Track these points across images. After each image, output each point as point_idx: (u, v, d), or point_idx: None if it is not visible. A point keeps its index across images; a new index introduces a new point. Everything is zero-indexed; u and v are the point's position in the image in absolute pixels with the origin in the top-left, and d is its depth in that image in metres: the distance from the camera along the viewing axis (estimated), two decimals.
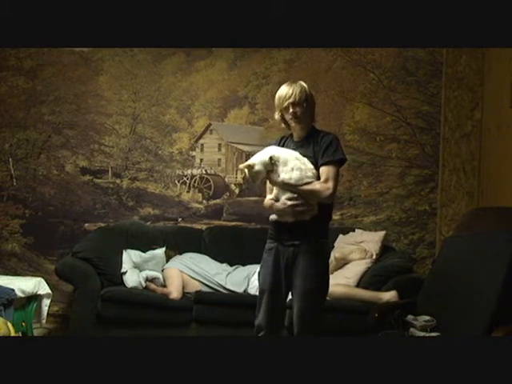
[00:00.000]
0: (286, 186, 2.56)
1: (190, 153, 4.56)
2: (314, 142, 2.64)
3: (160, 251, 3.92)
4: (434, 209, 4.25)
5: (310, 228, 2.57)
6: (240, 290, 3.64)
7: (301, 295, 2.59)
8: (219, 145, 4.58)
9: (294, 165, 2.55)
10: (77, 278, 3.49)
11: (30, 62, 4.39)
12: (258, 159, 2.56)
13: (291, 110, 2.60)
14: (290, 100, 2.58)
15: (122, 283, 3.64)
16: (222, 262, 3.93)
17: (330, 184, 2.54)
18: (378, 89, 4.32)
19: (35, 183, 4.38)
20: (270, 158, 2.55)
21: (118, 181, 4.48)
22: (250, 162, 2.56)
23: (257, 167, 2.54)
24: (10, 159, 4.37)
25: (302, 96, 2.59)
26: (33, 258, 4.34)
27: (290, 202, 2.54)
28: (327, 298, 2.76)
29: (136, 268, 3.76)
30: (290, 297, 2.69)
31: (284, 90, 2.62)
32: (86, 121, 4.44)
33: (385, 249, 3.80)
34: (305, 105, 2.61)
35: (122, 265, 3.70)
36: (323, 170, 2.58)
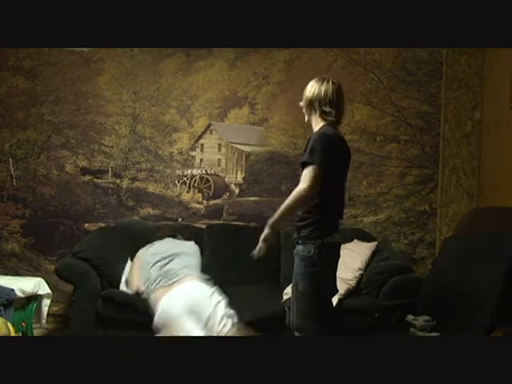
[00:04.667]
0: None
1: (190, 153, 4.56)
2: None
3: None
4: (434, 209, 4.25)
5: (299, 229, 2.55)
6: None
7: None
8: (219, 145, 4.57)
9: None
10: (77, 278, 3.48)
11: (29, 62, 4.39)
12: None
13: None
14: None
15: None
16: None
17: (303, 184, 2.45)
18: (378, 89, 4.32)
19: (35, 183, 4.38)
20: None
21: (117, 181, 4.48)
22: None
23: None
24: (10, 159, 4.37)
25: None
26: (33, 258, 4.34)
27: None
28: None
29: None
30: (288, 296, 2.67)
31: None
32: (86, 121, 4.44)
33: (375, 256, 3.66)
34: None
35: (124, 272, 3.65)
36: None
